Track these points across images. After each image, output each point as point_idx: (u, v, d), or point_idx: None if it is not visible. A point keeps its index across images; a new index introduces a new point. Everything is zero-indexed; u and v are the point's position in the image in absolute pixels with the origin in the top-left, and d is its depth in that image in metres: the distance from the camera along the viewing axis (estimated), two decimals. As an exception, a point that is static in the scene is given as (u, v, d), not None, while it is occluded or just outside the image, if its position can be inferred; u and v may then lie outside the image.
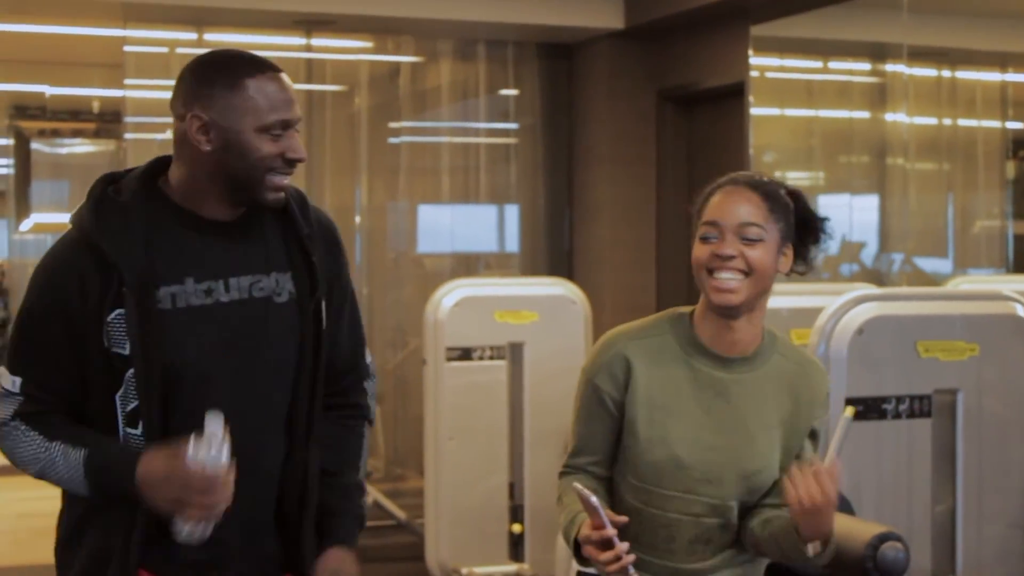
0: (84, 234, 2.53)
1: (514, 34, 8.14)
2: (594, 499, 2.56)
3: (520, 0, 7.59)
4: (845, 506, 3.74)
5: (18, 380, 2.55)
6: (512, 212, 8.53)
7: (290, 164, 2.57)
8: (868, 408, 4.02)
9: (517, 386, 6.38)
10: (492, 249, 8.62)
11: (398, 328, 8.24)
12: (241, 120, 2.54)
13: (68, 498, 2.64)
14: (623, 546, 2.58)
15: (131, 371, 2.48)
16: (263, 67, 2.58)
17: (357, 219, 8.18)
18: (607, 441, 2.86)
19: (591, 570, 2.76)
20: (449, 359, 6.24)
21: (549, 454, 6.24)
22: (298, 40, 7.98)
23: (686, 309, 2.88)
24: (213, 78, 2.55)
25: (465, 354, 6.26)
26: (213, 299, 2.55)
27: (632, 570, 2.61)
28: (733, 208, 2.72)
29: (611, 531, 2.57)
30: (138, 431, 2.51)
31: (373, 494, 7.36)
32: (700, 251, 2.74)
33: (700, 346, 2.79)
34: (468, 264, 8.49)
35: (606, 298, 7.70)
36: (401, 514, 7.31)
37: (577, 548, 2.73)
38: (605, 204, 8.03)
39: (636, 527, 2.78)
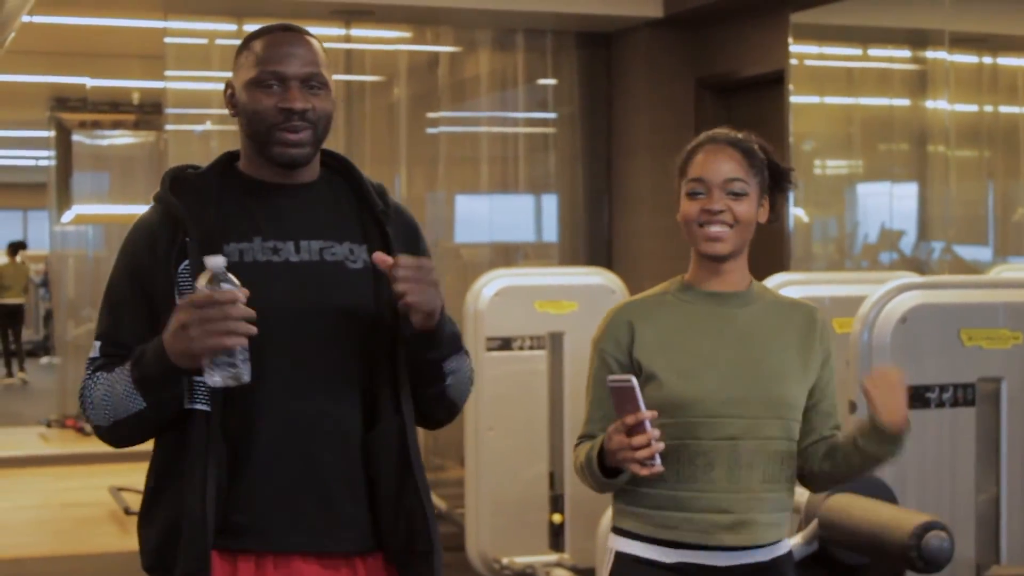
0: (156, 198, 2.63)
1: (553, 23, 8.16)
2: (633, 379, 2.64)
3: None
4: (888, 495, 3.76)
5: (98, 344, 2.60)
6: (551, 202, 8.55)
7: (288, 116, 2.57)
8: (911, 397, 3.97)
9: (557, 376, 6.36)
10: (531, 239, 8.64)
11: None
12: (241, 78, 2.62)
13: (148, 474, 2.63)
14: (654, 432, 2.65)
15: None
16: (275, 29, 2.64)
17: None
18: None
19: (617, 481, 2.83)
20: (489, 349, 6.23)
21: None
22: (337, 31, 8.03)
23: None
24: (239, 48, 2.67)
25: (505, 344, 6.27)
26: (282, 258, 2.58)
27: (659, 460, 2.65)
28: (718, 165, 2.90)
29: (647, 412, 2.64)
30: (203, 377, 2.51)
31: None
32: (689, 207, 2.91)
33: (696, 290, 2.95)
34: (507, 254, 8.51)
35: (646, 287, 7.31)
36: (442, 504, 7.30)
37: (601, 463, 2.79)
38: (644, 193, 8.04)
39: (675, 464, 2.83)
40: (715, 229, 2.87)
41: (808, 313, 3.00)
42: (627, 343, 2.91)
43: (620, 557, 2.93)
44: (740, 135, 2.98)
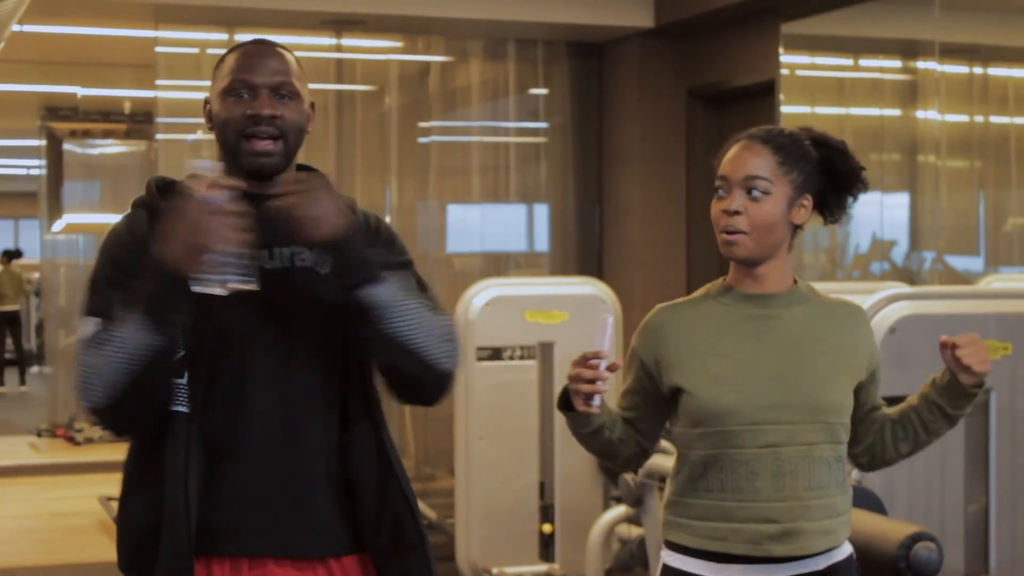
0: (144, 200, 2.62)
1: (544, 33, 8.15)
2: (610, 318, 2.69)
3: None
4: (877, 506, 3.76)
5: (93, 320, 2.52)
6: (542, 211, 8.53)
7: (255, 121, 2.57)
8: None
9: (547, 386, 6.31)
10: (522, 249, 8.62)
11: None
12: (215, 90, 2.63)
13: (124, 474, 2.63)
14: (603, 373, 2.64)
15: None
16: (248, 43, 2.67)
17: (387, 219, 8.06)
18: (645, 402, 2.90)
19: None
20: (480, 359, 6.21)
21: (579, 454, 5.97)
22: (328, 40, 8.01)
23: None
24: (215, 65, 2.68)
25: (495, 354, 6.24)
26: (256, 265, 2.56)
27: (598, 400, 2.68)
28: (741, 163, 2.78)
29: (607, 352, 2.64)
30: (183, 380, 2.53)
31: None
32: (714, 207, 2.81)
33: (735, 292, 2.85)
34: (498, 263, 8.49)
35: (636, 297, 7.66)
36: (432, 514, 7.29)
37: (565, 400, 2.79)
38: (635, 203, 8.04)
39: (718, 474, 2.78)
40: (731, 231, 2.76)
41: (854, 312, 2.92)
42: (655, 348, 2.84)
43: (668, 570, 2.87)
44: (786, 130, 2.84)
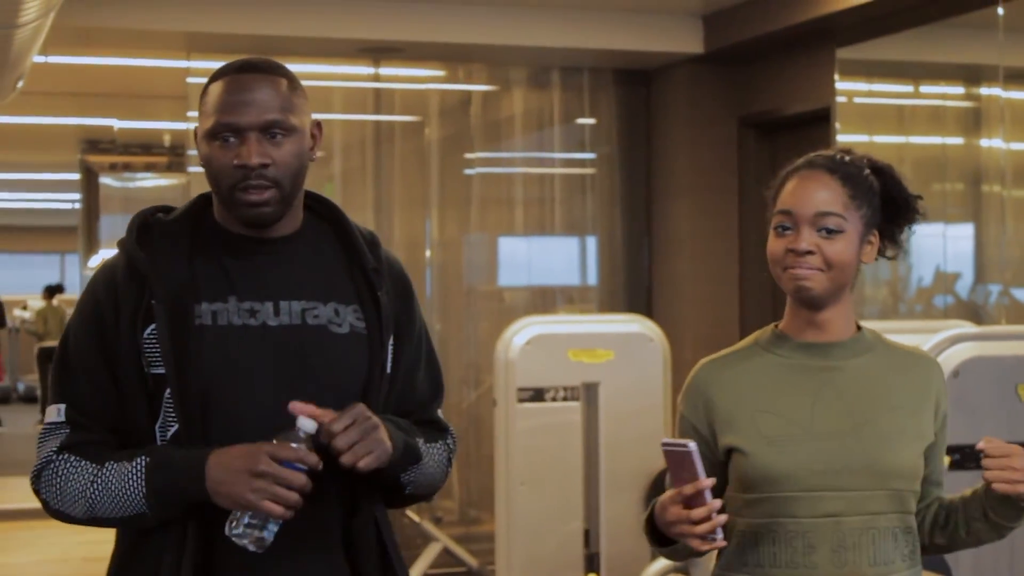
0: (122, 249, 2.46)
1: (590, 60, 8.08)
2: (691, 444, 2.36)
3: (595, 25, 7.53)
4: (942, 567, 3.61)
5: (62, 407, 2.41)
6: (589, 245, 8.47)
7: (245, 174, 2.39)
8: (965, 457, 3.80)
9: (592, 428, 6.24)
10: (568, 283, 8.55)
11: (471, 365, 8.19)
12: (201, 128, 2.45)
13: (117, 537, 2.49)
14: (715, 503, 2.37)
15: (167, 393, 2.36)
16: (232, 69, 2.44)
17: (428, 253, 8.14)
18: (711, 473, 2.64)
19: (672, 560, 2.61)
20: (520, 400, 6.13)
21: (626, 500, 6.15)
22: (366, 69, 7.97)
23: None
24: (201, 91, 2.50)
25: (537, 395, 6.16)
26: (259, 321, 2.41)
27: (721, 533, 2.39)
28: (809, 196, 2.54)
29: (707, 481, 2.36)
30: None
31: (443, 540, 7.32)
32: (775, 245, 2.56)
33: (791, 341, 2.62)
34: (545, 298, 8.44)
35: (687, 334, 7.62)
36: (472, 561, 7.25)
37: (653, 530, 2.55)
38: (685, 236, 7.95)
39: (770, 547, 2.54)
40: (802, 271, 2.52)
41: (927, 364, 2.67)
42: (707, 412, 2.61)
43: None
44: (847, 157, 2.62)
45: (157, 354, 2.35)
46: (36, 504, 2.43)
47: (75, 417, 2.40)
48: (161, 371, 2.35)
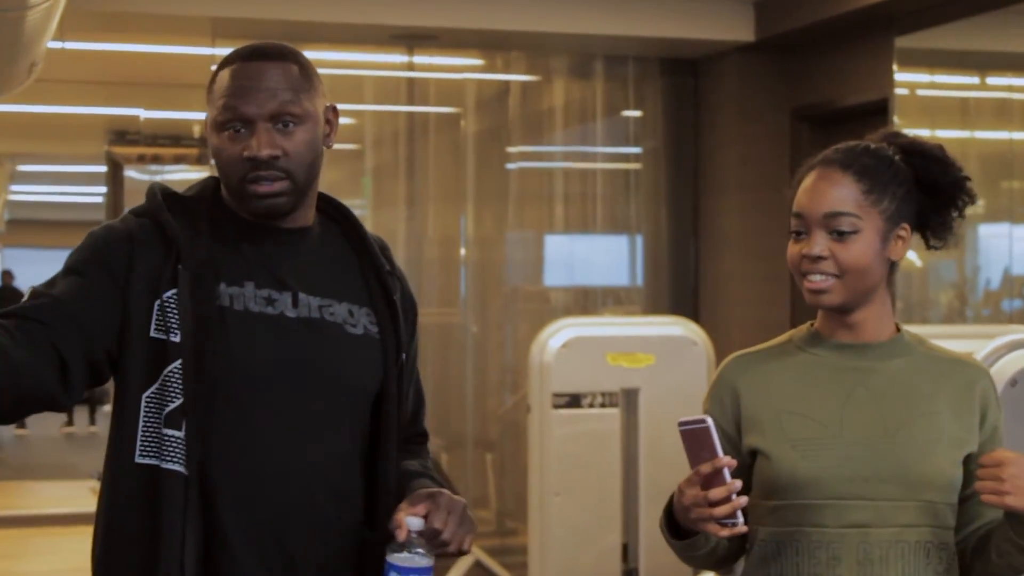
0: (147, 208, 2.42)
1: (635, 49, 8.00)
2: (709, 419, 2.30)
3: (641, 11, 7.45)
4: None
5: (40, 288, 2.37)
6: (633, 243, 8.39)
7: (254, 166, 2.36)
8: None
9: (631, 436, 6.15)
10: (611, 283, 8.47)
11: (509, 369, 8.13)
12: (208, 115, 2.45)
13: (99, 534, 2.45)
14: (735, 483, 2.29)
15: (176, 364, 2.32)
16: (240, 55, 2.43)
17: (463, 251, 8.09)
18: (740, 476, 2.52)
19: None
20: (556, 406, 6.05)
21: None
22: (399, 58, 7.93)
23: None
24: (210, 77, 2.49)
25: (574, 401, 6.06)
26: (277, 310, 2.41)
27: (741, 517, 2.30)
28: (819, 196, 2.46)
29: (725, 459, 2.28)
30: (180, 433, 2.32)
31: (476, 553, 7.21)
32: (791, 251, 2.50)
33: (826, 341, 2.55)
34: (588, 299, 8.36)
35: (735, 337, 7.47)
36: (505, 574, 7.16)
37: (671, 521, 2.48)
38: (734, 235, 7.86)
39: (793, 558, 2.48)
40: (815, 279, 2.44)
41: (972, 371, 2.55)
42: (733, 409, 2.54)
43: None
44: (870, 146, 2.50)
45: (175, 320, 2.31)
46: (58, 510, 2.20)
47: (42, 297, 2.33)
48: (175, 339, 2.31)
